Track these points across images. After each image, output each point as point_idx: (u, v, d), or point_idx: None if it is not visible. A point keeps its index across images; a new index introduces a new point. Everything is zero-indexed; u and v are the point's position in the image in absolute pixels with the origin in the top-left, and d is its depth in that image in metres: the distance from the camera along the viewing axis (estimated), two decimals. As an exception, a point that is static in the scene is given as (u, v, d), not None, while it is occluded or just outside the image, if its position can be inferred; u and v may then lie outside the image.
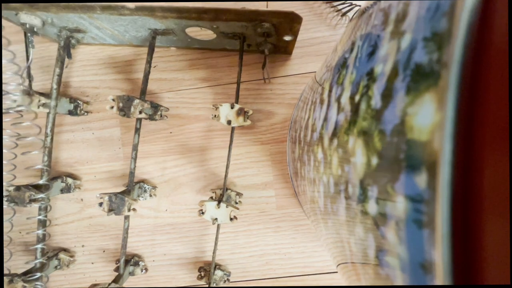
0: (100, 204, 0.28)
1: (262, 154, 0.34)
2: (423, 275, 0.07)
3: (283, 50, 0.33)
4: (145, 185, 0.34)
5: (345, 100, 0.12)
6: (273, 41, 0.31)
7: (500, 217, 0.06)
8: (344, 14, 0.33)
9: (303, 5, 0.34)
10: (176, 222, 0.35)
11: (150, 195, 0.34)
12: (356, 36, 0.13)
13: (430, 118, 0.07)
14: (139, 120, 0.31)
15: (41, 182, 0.31)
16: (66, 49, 0.33)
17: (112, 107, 0.29)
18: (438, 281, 0.07)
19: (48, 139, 0.32)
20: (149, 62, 0.31)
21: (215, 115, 0.29)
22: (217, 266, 0.33)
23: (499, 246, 0.06)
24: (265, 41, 0.30)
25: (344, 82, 0.13)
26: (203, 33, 0.32)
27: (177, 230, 0.34)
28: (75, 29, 0.31)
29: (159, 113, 0.32)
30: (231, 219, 0.29)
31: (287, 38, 0.30)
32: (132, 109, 0.29)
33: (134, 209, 0.29)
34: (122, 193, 0.29)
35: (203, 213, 0.29)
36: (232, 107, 0.29)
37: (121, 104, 0.29)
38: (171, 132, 0.35)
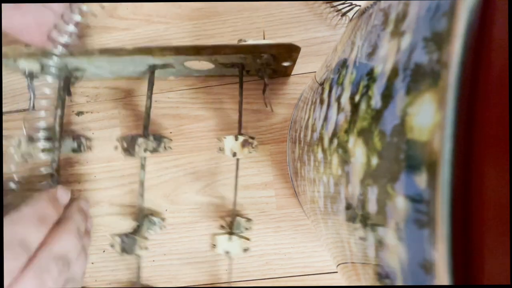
0: (112, 245, 0.28)
1: (262, 154, 0.34)
2: (423, 275, 0.07)
3: (282, 74, 0.33)
4: (154, 218, 0.34)
5: (345, 100, 0.13)
6: (273, 66, 0.31)
7: (500, 217, 0.06)
8: (344, 14, 0.33)
9: (303, 5, 0.34)
10: (176, 222, 0.35)
11: (160, 228, 0.34)
12: (356, 36, 0.13)
13: (430, 118, 0.07)
14: (144, 157, 0.31)
15: None
16: (66, 89, 0.33)
17: (116, 148, 0.29)
18: (438, 281, 0.07)
19: (55, 179, 0.32)
20: (149, 97, 0.30)
21: (220, 148, 0.29)
22: None
23: (499, 246, 0.06)
24: (265, 69, 0.30)
25: (344, 82, 0.13)
26: (202, 63, 0.31)
27: (177, 230, 0.34)
28: (74, 69, 0.32)
29: (162, 145, 0.32)
30: (244, 250, 0.29)
31: (286, 64, 0.30)
32: (136, 148, 0.29)
33: (146, 247, 0.29)
34: (133, 232, 0.29)
35: (215, 246, 0.29)
36: (236, 139, 0.29)
37: (125, 145, 0.29)
38: (171, 132, 0.35)
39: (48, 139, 0.31)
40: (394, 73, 0.09)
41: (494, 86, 0.06)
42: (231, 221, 0.31)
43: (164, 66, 0.31)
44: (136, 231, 0.29)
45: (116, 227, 0.35)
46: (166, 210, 0.35)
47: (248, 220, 0.33)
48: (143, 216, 0.31)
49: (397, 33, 0.09)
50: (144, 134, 0.30)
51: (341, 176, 0.12)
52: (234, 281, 0.34)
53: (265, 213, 0.34)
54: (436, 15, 0.07)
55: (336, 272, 0.33)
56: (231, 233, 0.29)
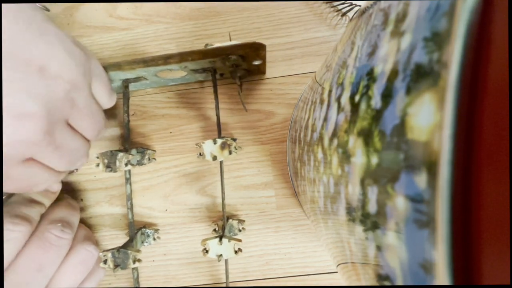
0: (105, 261, 0.28)
1: (262, 154, 0.34)
2: (423, 275, 0.07)
3: (256, 72, 0.33)
4: (147, 230, 0.34)
5: (345, 100, 0.12)
6: (244, 67, 0.31)
7: (500, 217, 0.06)
8: (344, 14, 0.33)
9: (303, 5, 0.34)
10: (176, 222, 0.35)
11: (154, 239, 0.34)
12: (356, 36, 0.13)
13: (430, 118, 0.07)
14: (127, 170, 0.30)
15: None
16: None
17: (98, 165, 0.29)
18: (438, 281, 0.07)
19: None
20: (126, 111, 0.30)
21: (200, 153, 0.29)
22: None
23: (499, 246, 0.06)
24: (235, 70, 0.30)
25: (344, 82, 0.13)
26: (174, 72, 0.31)
27: (177, 230, 0.34)
28: None
29: (146, 157, 0.32)
30: (235, 252, 0.29)
31: (257, 62, 0.30)
32: (117, 163, 0.29)
33: (139, 260, 0.29)
34: (125, 246, 0.29)
35: (207, 251, 0.28)
36: (215, 143, 0.29)
37: (106, 161, 0.29)
38: (171, 132, 0.35)
39: None
40: (394, 73, 0.09)
41: (494, 86, 0.06)
42: (223, 225, 0.31)
43: (137, 79, 0.31)
44: (128, 244, 0.29)
45: (116, 227, 0.35)
46: (166, 210, 0.35)
47: (241, 221, 0.33)
48: (134, 230, 0.31)
49: (397, 33, 0.09)
50: (124, 148, 0.30)
51: (341, 176, 0.12)
52: (234, 281, 0.34)
53: (265, 213, 0.34)
54: (436, 15, 0.07)
55: (336, 272, 0.33)
56: (221, 236, 0.28)
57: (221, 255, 0.29)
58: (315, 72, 0.33)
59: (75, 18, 0.36)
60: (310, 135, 0.18)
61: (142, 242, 0.33)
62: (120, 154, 0.29)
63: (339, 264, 0.16)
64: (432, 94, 0.07)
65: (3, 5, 0.19)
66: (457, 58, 0.07)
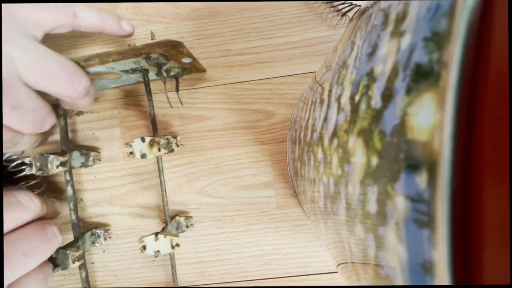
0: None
1: (262, 154, 0.34)
2: (423, 275, 0.07)
3: (195, 70, 0.33)
4: (98, 231, 0.34)
5: (345, 100, 0.12)
6: (173, 65, 0.31)
7: (500, 217, 0.06)
8: (344, 14, 0.33)
9: (303, 5, 0.34)
10: (176, 222, 0.34)
11: (105, 239, 0.34)
12: (356, 36, 0.13)
13: (430, 118, 0.07)
14: (67, 172, 0.31)
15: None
16: None
17: (31, 168, 0.29)
18: (438, 281, 0.07)
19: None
20: (63, 115, 0.30)
21: (130, 152, 0.29)
22: None
23: (499, 246, 0.06)
24: (160, 69, 0.29)
25: (344, 82, 0.13)
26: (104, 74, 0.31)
27: (177, 230, 0.34)
28: None
29: (91, 159, 0.33)
30: (172, 247, 0.29)
31: (186, 60, 0.30)
32: (49, 166, 0.29)
33: (78, 259, 0.29)
34: (65, 246, 0.29)
35: (144, 248, 0.29)
36: (143, 141, 0.29)
37: (38, 164, 0.29)
38: (171, 132, 0.35)
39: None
40: (394, 73, 0.09)
41: (494, 85, 0.06)
42: (165, 223, 0.31)
43: None
44: (70, 245, 0.29)
45: (116, 227, 0.35)
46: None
47: (188, 217, 0.34)
48: (79, 231, 0.31)
49: (397, 33, 0.09)
50: (62, 151, 0.30)
51: (341, 176, 0.12)
52: (234, 281, 0.34)
53: (265, 213, 0.34)
54: (436, 15, 0.07)
55: (336, 272, 0.33)
56: (157, 233, 0.29)
57: (158, 251, 0.29)
58: (315, 72, 0.33)
59: (75, 18, 0.36)
60: (310, 135, 0.18)
61: (93, 242, 0.33)
62: (51, 157, 0.29)
63: (339, 264, 0.16)
64: (432, 94, 0.07)
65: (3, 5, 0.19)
66: (457, 58, 0.07)
